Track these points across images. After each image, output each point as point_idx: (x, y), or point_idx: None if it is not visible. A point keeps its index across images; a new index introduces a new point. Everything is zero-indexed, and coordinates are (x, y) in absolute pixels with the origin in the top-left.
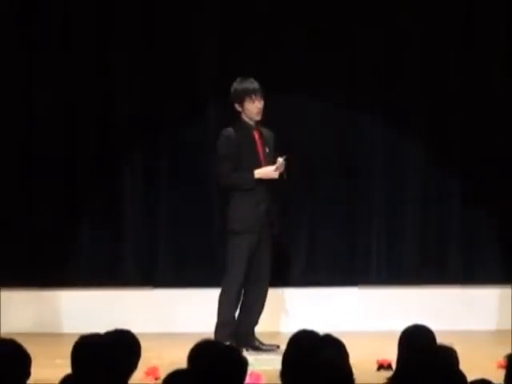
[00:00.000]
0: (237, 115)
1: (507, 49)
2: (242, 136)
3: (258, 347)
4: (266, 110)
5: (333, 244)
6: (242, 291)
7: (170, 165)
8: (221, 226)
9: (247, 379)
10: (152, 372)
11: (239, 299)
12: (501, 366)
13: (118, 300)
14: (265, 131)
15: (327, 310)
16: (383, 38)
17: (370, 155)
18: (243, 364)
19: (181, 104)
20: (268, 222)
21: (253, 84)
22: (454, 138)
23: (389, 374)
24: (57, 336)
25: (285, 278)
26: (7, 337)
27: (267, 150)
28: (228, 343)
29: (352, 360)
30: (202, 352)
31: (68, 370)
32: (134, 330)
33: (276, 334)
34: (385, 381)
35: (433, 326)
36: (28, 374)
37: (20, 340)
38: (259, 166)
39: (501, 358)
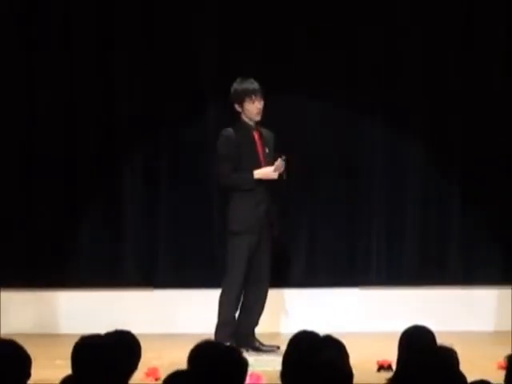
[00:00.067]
0: (237, 115)
1: (507, 49)
2: (241, 136)
3: (258, 348)
4: (266, 110)
5: (333, 244)
6: (242, 292)
7: (170, 165)
8: (221, 226)
9: (247, 380)
10: (152, 373)
11: (239, 300)
12: (501, 367)
13: (118, 301)
14: (264, 131)
15: (327, 310)
16: (383, 38)
17: (369, 155)
18: (243, 365)
19: (181, 104)
20: (268, 223)
21: (253, 84)
22: (454, 138)
23: (389, 374)
24: (57, 337)
25: (285, 279)
26: (7, 338)
27: (267, 151)
28: (228, 344)
29: (352, 361)
30: (202, 353)
31: (68, 371)
32: (134, 330)
33: (276, 335)
34: (385, 381)
35: (433, 327)
36: (28, 375)
37: (20, 341)
38: (259, 167)
39: (501, 358)
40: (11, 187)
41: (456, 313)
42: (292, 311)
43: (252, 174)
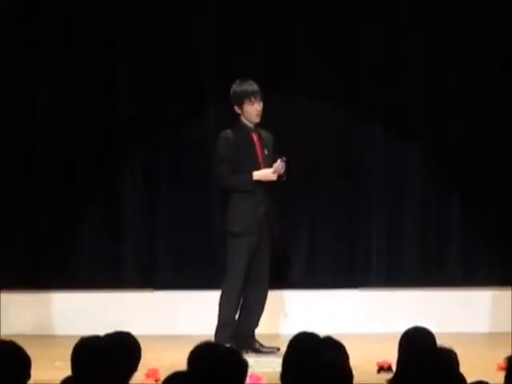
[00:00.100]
0: (236, 117)
1: (507, 49)
2: (240, 138)
3: (258, 349)
4: (265, 111)
5: (333, 245)
6: (242, 293)
7: (170, 165)
8: (221, 226)
9: (247, 381)
10: (152, 374)
11: (239, 301)
12: (501, 368)
13: (118, 302)
14: (264, 133)
15: (327, 311)
16: (383, 38)
17: (369, 155)
18: (243, 366)
19: (181, 104)
20: (268, 224)
21: (252, 86)
22: (454, 138)
23: (389, 375)
24: (57, 338)
25: (285, 280)
26: (7, 339)
27: (266, 152)
28: (228, 345)
29: (352, 362)
30: (202, 354)
31: (68, 372)
32: (134, 331)
33: (276, 336)
34: (385, 383)
35: (433, 328)
36: (28, 376)
37: (20, 342)
38: (258, 168)
39: (501, 359)
40: (11, 187)
41: (456, 314)
42: (292, 312)
43: (251, 176)
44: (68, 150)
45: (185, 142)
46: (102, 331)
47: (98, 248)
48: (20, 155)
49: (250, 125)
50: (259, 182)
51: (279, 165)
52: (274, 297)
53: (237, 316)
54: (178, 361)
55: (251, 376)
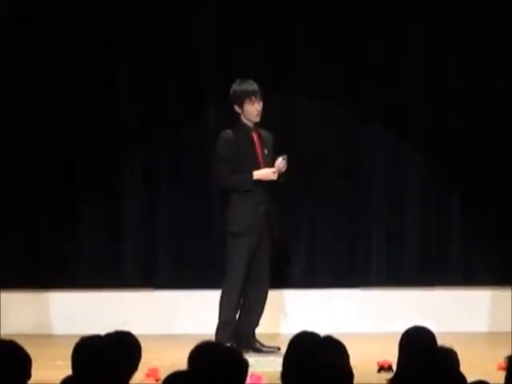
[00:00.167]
0: (236, 117)
1: (507, 49)
2: (240, 138)
3: (258, 349)
4: (265, 111)
5: (333, 245)
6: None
7: (170, 165)
8: (221, 226)
9: (248, 380)
10: (152, 373)
11: (240, 301)
12: (501, 368)
13: (119, 301)
14: (264, 133)
15: (327, 311)
16: (383, 38)
17: (369, 155)
18: (244, 365)
19: (181, 104)
20: (268, 224)
21: (252, 86)
22: (454, 138)
23: (389, 375)
24: (57, 337)
25: (285, 280)
26: (7, 338)
27: (266, 152)
28: (228, 345)
29: (353, 361)
30: (202, 353)
31: (68, 372)
32: (135, 331)
33: (276, 336)
34: (385, 382)
35: (433, 328)
36: (28, 376)
37: (20, 341)
38: (258, 168)
39: (501, 359)
40: (11, 187)
41: (456, 313)
42: (292, 312)
43: (251, 175)
44: (68, 150)
45: (185, 141)
46: (102, 331)
47: (98, 248)
48: (20, 155)
49: (250, 124)
50: (259, 182)
51: (281, 162)
52: (274, 296)
53: (237, 316)
54: (179, 360)
55: (252, 375)
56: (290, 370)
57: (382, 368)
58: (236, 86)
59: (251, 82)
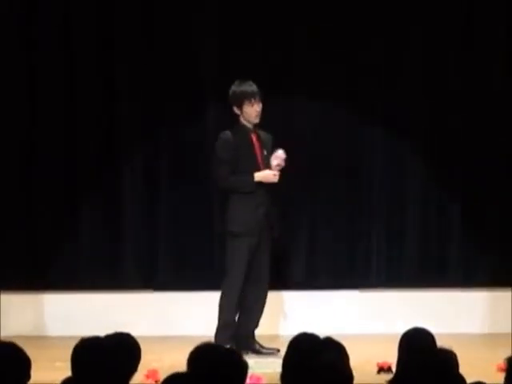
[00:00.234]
0: (235, 118)
1: (507, 49)
2: (240, 139)
3: (258, 350)
4: (265, 111)
5: (333, 245)
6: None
7: (170, 165)
8: (221, 226)
9: (247, 381)
10: (152, 375)
11: (239, 302)
12: (500, 369)
13: (118, 303)
14: (263, 134)
15: (327, 312)
16: (383, 38)
17: (369, 155)
18: (243, 367)
19: (181, 104)
20: (268, 225)
21: (251, 87)
22: (454, 138)
23: (389, 376)
24: (57, 339)
25: (285, 281)
26: (7, 340)
27: (265, 153)
28: (228, 346)
29: (352, 363)
30: (201, 355)
31: (68, 373)
32: (134, 332)
33: (276, 337)
34: (385, 383)
35: (433, 329)
36: (28, 377)
37: (20, 343)
38: (257, 169)
39: (500, 360)
40: (11, 187)
41: (456, 315)
42: (292, 313)
43: (252, 177)
44: (68, 150)
45: (185, 142)
46: (101, 332)
47: (98, 248)
48: (20, 155)
49: (249, 125)
50: (260, 184)
51: (280, 154)
52: (273, 298)
53: (237, 317)
54: (178, 362)
55: (251, 377)
56: (289, 372)
57: (381, 369)
58: (235, 88)
59: (250, 83)
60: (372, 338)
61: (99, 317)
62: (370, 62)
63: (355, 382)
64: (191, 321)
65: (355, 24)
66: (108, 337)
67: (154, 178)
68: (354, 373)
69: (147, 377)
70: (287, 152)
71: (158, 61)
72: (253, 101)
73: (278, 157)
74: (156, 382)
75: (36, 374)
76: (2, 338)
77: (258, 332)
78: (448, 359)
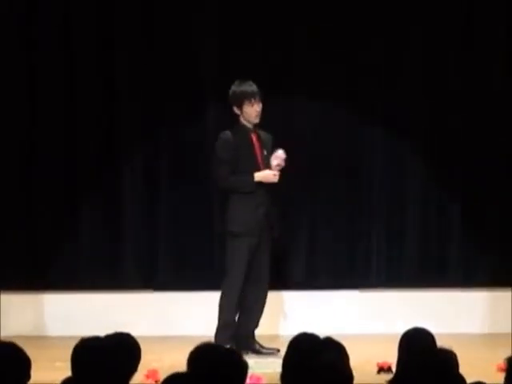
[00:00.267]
0: (235, 118)
1: (507, 49)
2: (240, 139)
3: (258, 350)
4: (265, 111)
5: (333, 245)
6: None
7: (170, 165)
8: (221, 226)
9: (247, 381)
10: (152, 375)
11: (239, 302)
12: (500, 369)
13: (118, 303)
14: (262, 134)
15: (327, 312)
16: (383, 38)
17: (369, 155)
18: (243, 367)
19: (181, 104)
20: (268, 225)
21: (251, 87)
22: (454, 138)
23: (389, 376)
24: (57, 339)
25: (285, 281)
26: (7, 340)
27: (265, 153)
28: (228, 346)
29: (352, 363)
30: (201, 355)
31: (68, 373)
32: (134, 332)
33: (276, 337)
34: (385, 383)
35: (433, 329)
36: (28, 377)
37: (20, 343)
38: (257, 169)
39: (500, 360)
40: (11, 187)
41: (456, 315)
42: (292, 313)
43: (253, 177)
44: (68, 150)
45: (185, 142)
46: (101, 332)
47: (98, 248)
48: (20, 155)
49: (249, 126)
50: (260, 184)
51: (280, 154)
52: (273, 298)
53: (237, 317)
54: (178, 362)
55: (251, 377)
56: (289, 372)
57: (381, 369)
58: (235, 88)
59: (250, 83)
60: (372, 338)
61: (99, 317)
62: (370, 61)
63: (355, 382)
64: (191, 321)
65: (355, 24)
66: (108, 337)
67: (154, 178)
68: (354, 373)
69: (147, 377)
70: (287, 152)
71: (158, 61)
72: (253, 101)
73: (278, 157)
74: (156, 382)
75: (36, 374)
76: (2, 338)
77: (257, 332)
78: (448, 359)
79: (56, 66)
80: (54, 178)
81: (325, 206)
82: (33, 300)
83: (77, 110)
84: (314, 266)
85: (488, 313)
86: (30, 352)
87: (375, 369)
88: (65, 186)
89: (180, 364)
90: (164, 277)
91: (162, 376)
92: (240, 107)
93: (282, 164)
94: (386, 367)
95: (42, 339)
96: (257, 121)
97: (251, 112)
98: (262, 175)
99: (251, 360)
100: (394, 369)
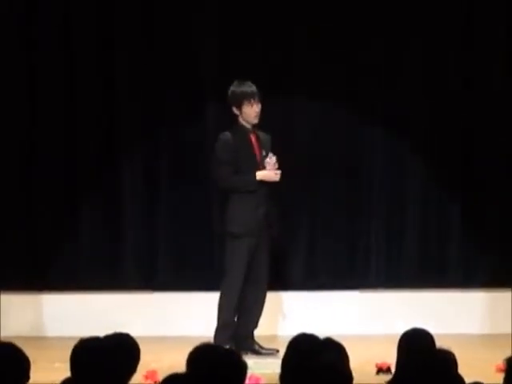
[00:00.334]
0: (234, 118)
1: (507, 49)
2: (239, 140)
3: (257, 351)
4: (264, 111)
5: (332, 245)
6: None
7: (170, 165)
8: (221, 226)
9: (246, 382)
10: (151, 375)
11: (239, 302)
12: (500, 370)
13: (118, 303)
14: (261, 134)
15: (327, 313)
16: (383, 38)
17: (369, 155)
18: (242, 367)
19: (181, 104)
20: (267, 225)
21: (251, 87)
22: (454, 138)
23: (388, 377)
24: (56, 339)
25: (284, 281)
26: (6, 340)
27: (264, 153)
28: (227, 347)
29: (351, 363)
30: (201, 355)
31: (67, 374)
32: (134, 333)
33: (275, 338)
34: None
35: (432, 330)
36: (27, 378)
37: (19, 343)
38: (257, 169)
39: (500, 361)
40: (11, 187)
41: (455, 315)
42: (291, 314)
43: (254, 176)
44: (68, 150)
45: (185, 142)
46: (101, 332)
47: (98, 248)
48: (20, 155)
49: (248, 126)
50: (261, 183)
51: (270, 161)
52: (273, 298)
53: (236, 317)
54: (177, 362)
55: (250, 377)
56: (288, 372)
57: (380, 370)
58: (234, 88)
59: (249, 83)
60: (371, 338)
61: (99, 317)
62: (370, 61)
63: (355, 382)
64: (191, 321)
65: (355, 24)
66: (107, 337)
67: (154, 178)
68: (354, 373)
69: (146, 377)
70: (287, 152)
71: (158, 61)
72: (252, 101)
73: (268, 163)
74: (155, 382)
75: (35, 375)
76: (2, 339)
77: (257, 332)
78: (447, 360)
79: (56, 66)
80: (54, 178)
81: (325, 206)
82: (32, 300)
83: (77, 109)
84: (314, 266)
85: (488, 313)
86: (30, 352)
87: (374, 369)
88: (65, 186)
89: (179, 364)
90: (164, 277)
91: (161, 376)
92: (239, 107)
93: (274, 169)
94: (385, 368)
95: (41, 339)
96: (256, 121)
97: (250, 112)
98: (262, 174)
99: (250, 360)
100: (393, 369)
